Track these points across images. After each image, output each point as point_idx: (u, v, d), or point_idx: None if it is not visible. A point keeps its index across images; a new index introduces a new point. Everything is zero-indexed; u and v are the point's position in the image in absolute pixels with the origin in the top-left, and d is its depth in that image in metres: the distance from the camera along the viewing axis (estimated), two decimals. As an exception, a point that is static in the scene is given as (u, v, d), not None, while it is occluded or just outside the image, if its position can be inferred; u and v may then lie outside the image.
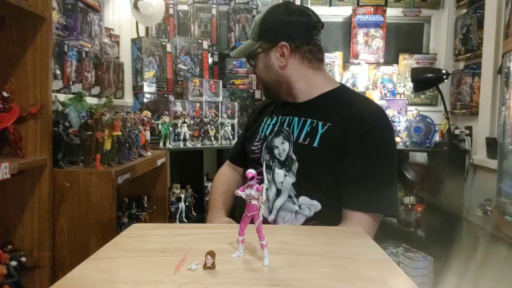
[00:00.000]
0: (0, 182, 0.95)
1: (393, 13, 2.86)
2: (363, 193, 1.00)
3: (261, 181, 0.67)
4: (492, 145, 2.01)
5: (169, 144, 2.16)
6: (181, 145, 2.20)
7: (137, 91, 2.30)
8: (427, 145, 2.24)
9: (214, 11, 2.80)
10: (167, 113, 2.17)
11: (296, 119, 1.12)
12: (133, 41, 2.30)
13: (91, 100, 1.82)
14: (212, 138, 2.36)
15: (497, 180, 1.64)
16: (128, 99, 2.39)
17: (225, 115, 2.45)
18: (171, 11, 2.81)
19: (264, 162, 1.11)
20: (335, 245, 0.75)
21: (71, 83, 1.70)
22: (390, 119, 2.27)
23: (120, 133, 1.29)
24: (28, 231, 1.15)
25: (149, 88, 2.30)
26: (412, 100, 2.83)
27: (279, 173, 1.09)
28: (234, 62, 2.71)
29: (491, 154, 2.04)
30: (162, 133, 2.12)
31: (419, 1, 2.84)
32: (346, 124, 1.03)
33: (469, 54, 2.48)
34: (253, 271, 0.61)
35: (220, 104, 2.46)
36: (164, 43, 2.41)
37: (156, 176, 1.87)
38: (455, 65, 2.72)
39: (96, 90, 1.93)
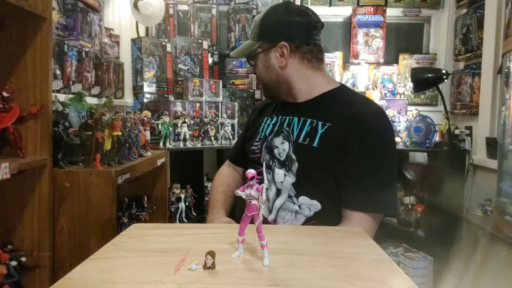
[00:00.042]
0: (0, 182, 0.95)
1: (393, 13, 2.86)
2: (363, 193, 1.01)
3: (261, 181, 0.67)
4: (492, 145, 2.01)
5: (169, 144, 2.16)
6: (181, 145, 2.20)
7: (137, 91, 2.30)
8: (427, 145, 2.24)
9: (214, 11, 2.80)
10: (167, 113, 2.17)
11: (296, 119, 1.12)
12: (133, 41, 2.30)
13: (91, 100, 1.82)
14: (212, 138, 2.36)
15: (497, 180, 1.64)
16: (128, 99, 2.39)
17: (225, 115, 2.45)
18: (171, 11, 2.81)
19: (264, 162, 1.11)
20: (335, 245, 0.75)
21: (71, 83, 1.70)
22: (390, 119, 2.28)
23: (120, 133, 1.29)
24: (28, 231, 1.15)
25: (149, 88, 2.30)
26: (412, 100, 2.83)
27: (279, 173, 1.09)
28: (234, 62, 2.71)
29: (491, 154, 2.04)
30: (162, 133, 2.12)
31: (419, 1, 2.84)
32: (346, 124, 1.03)
33: (469, 54, 2.48)
34: (253, 271, 0.61)
35: (220, 104, 2.46)
36: (164, 43, 2.41)
37: (156, 176, 1.87)
38: (455, 65, 2.72)
39: (96, 90, 1.93)
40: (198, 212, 2.34)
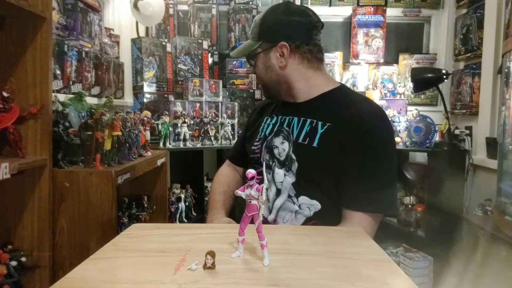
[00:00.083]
0: (0, 182, 0.95)
1: (393, 13, 2.86)
2: (363, 193, 1.01)
3: (261, 181, 0.67)
4: (492, 145, 2.01)
5: (169, 144, 2.16)
6: (181, 145, 2.20)
7: (137, 91, 2.30)
8: (427, 145, 2.24)
9: (214, 11, 2.80)
10: (167, 113, 2.17)
11: (295, 119, 1.12)
12: (133, 41, 2.30)
13: (91, 100, 1.82)
14: (212, 138, 2.36)
15: (497, 180, 1.64)
16: (128, 99, 2.39)
17: (225, 115, 2.45)
18: (171, 11, 2.81)
19: (264, 162, 1.11)
20: (335, 245, 0.75)
21: (71, 83, 1.70)
22: (390, 119, 2.28)
23: (120, 133, 1.29)
24: (28, 231, 1.15)
25: (149, 88, 2.30)
26: (412, 100, 2.83)
27: (279, 173, 1.09)
28: (234, 62, 2.71)
29: (491, 154, 2.04)
30: (162, 133, 2.12)
31: (419, 1, 2.84)
32: (345, 124, 1.03)
33: (469, 54, 2.48)
34: (253, 271, 0.61)
35: (220, 104, 2.46)
36: (164, 43, 2.41)
37: (156, 176, 1.87)
38: (455, 65, 2.72)
39: (96, 90, 1.93)
40: (198, 212, 2.34)
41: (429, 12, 2.86)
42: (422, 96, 2.85)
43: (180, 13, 2.92)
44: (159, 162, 1.71)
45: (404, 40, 2.93)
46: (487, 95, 2.20)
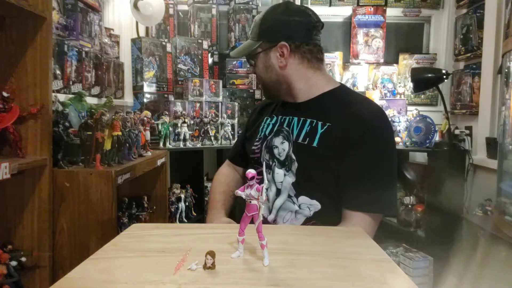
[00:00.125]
0: (0, 182, 0.95)
1: (393, 13, 2.86)
2: (363, 193, 1.01)
3: (261, 181, 0.67)
4: (492, 145, 2.01)
5: (169, 144, 2.16)
6: (181, 145, 2.20)
7: (137, 91, 2.30)
8: (427, 145, 2.24)
9: (214, 11, 2.80)
10: (167, 113, 2.17)
11: (295, 119, 1.12)
12: (133, 41, 2.30)
13: (91, 100, 1.82)
14: (212, 138, 2.36)
15: (497, 180, 1.64)
16: (128, 99, 2.39)
17: (225, 115, 2.45)
18: (171, 11, 2.81)
19: (264, 162, 1.11)
20: (335, 245, 0.75)
21: (71, 83, 1.70)
22: (390, 119, 2.28)
23: (120, 133, 1.29)
24: (28, 231, 1.15)
25: (149, 88, 2.30)
26: (412, 100, 2.83)
27: (279, 172, 1.09)
28: (234, 62, 2.71)
29: (491, 154, 2.04)
30: (162, 133, 2.12)
31: (419, 1, 2.84)
32: (345, 124, 1.03)
33: (469, 54, 2.48)
34: (253, 271, 0.61)
35: (220, 104, 2.46)
36: (164, 43, 2.41)
37: (156, 176, 1.87)
38: (455, 65, 2.72)
39: (96, 90, 1.94)
40: (198, 212, 2.34)
41: (429, 12, 2.86)
42: (422, 96, 2.85)
43: (180, 13, 2.92)
44: (159, 162, 1.71)
45: (404, 40, 2.93)
46: (487, 95, 2.20)
